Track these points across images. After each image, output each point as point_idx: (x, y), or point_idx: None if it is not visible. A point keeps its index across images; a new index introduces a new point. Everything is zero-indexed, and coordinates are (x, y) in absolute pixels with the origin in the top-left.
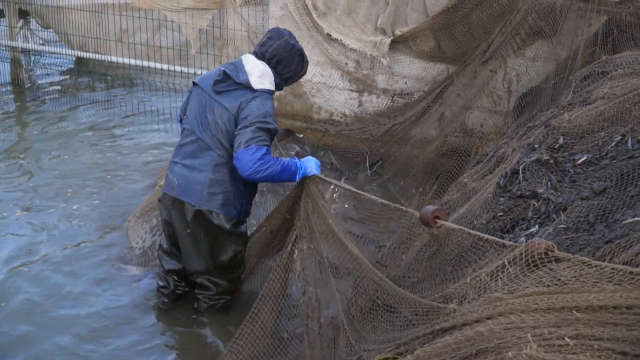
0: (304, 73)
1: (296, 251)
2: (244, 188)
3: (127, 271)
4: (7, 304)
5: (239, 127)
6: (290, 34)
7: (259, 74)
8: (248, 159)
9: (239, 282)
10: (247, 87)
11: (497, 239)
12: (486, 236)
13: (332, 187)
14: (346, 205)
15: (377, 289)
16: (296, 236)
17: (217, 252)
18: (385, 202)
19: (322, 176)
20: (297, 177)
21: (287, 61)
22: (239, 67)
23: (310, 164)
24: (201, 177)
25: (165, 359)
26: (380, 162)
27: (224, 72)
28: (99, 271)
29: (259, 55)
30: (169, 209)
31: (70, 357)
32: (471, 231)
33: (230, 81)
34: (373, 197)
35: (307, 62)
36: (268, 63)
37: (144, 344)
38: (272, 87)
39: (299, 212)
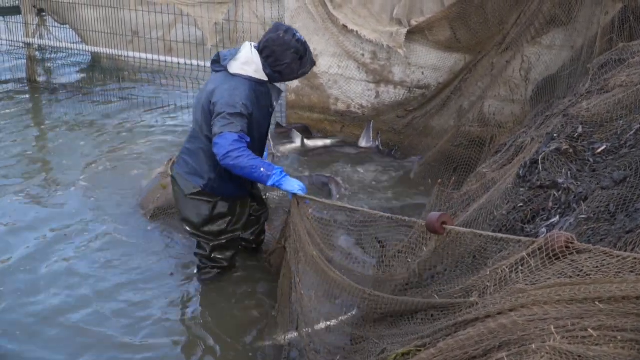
0: (305, 72)
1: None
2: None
3: None
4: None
5: (213, 114)
6: (288, 30)
7: (244, 61)
8: (221, 144)
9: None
10: (227, 70)
11: (512, 237)
12: (500, 235)
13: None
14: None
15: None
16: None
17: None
18: (388, 215)
19: (308, 196)
20: (269, 182)
21: (277, 55)
22: (233, 52)
23: (291, 184)
24: (184, 144)
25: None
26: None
27: (218, 53)
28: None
29: (257, 45)
30: None
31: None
32: (482, 232)
33: (219, 64)
34: (374, 212)
35: (308, 62)
36: (260, 54)
37: None
38: (256, 76)
39: (288, 235)
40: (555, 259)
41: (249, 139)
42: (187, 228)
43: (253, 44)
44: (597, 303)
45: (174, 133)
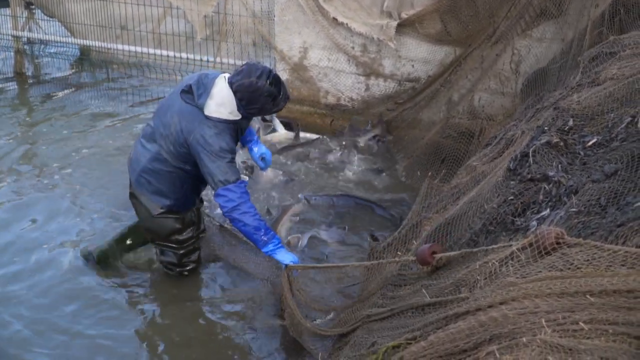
0: (279, 109)
1: None
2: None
3: None
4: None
5: (204, 159)
6: (261, 74)
7: (219, 102)
8: (229, 197)
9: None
10: (200, 110)
11: (502, 245)
12: (490, 247)
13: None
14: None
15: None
16: None
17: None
18: (377, 261)
19: (299, 265)
20: (264, 248)
21: (249, 100)
22: (207, 86)
23: (285, 256)
24: (143, 160)
25: None
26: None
27: (191, 86)
28: None
29: (229, 81)
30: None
31: None
32: (473, 249)
33: (193, 97)
34: (359, 263)
35: (282, 99)
36: (235, 95)
37: None
38: (231, 117)
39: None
40: (546, 253)
41: (246, 183)
42: (153, 239)
43: (226, 76)
44: (588, 296)
45: None
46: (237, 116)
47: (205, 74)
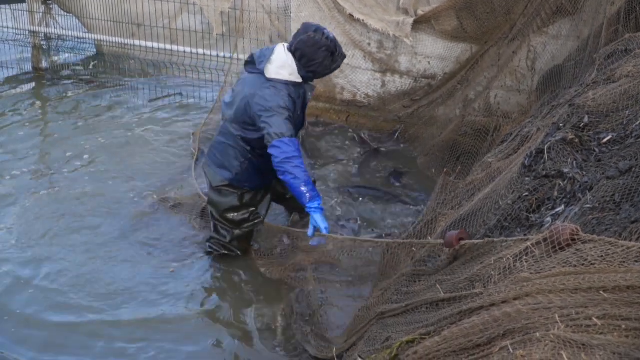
0: (337, 67)
1: None
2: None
3: None
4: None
5: (257, 117)
6: (317, 29)
7: (279, 65)
8: (283, 148)
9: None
10: (263, 74)
11: (519, 239)
12: (510, 239)
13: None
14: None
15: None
16: None
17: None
18: (407, 240)
19: (327, 234)
20: (307, 203)
21: (309, 55)
22: (267, 54)
23: (321, 219)
24: (215, 136)
25: None
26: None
27: (252, 55)
28: None
29: (289, 47)
30: None
31: None
32: (495, 239)
33: (254, 65)
34: (389, 240)
35: (339, 57)
36: (294, 56)
37: None
38: (292, 79)
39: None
40: (560, 250)
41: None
42: (212, 212)
43: (285, 44)
44: (601, 292)
45: (179, 121)
46: (297, 78)
47: (266, 47)
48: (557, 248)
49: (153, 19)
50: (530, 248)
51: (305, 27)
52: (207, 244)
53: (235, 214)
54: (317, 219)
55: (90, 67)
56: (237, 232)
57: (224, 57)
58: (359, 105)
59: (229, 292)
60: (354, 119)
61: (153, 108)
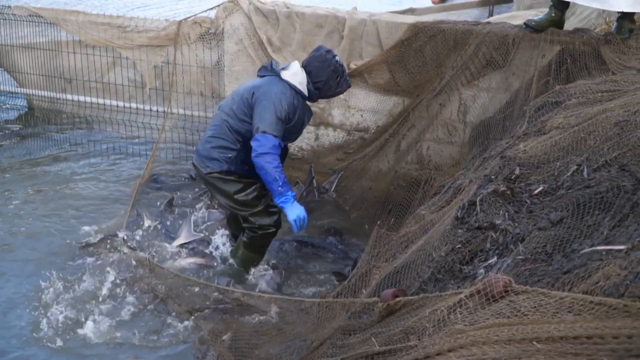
0: (341, 91)
1: None
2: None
3: None
4: None
5: (255, 105)
6: (329, 51)
7: (294, 72)
8: (262, 143)
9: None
10: (277, 75)
11: (452, 292)
12: (445, 293)
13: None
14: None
15: None
16: None
17: None
18: (346, 300)
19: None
20: (277, 199)
21: (317, 70)
22: (283, 65)
23: (294, 211)
24: (203, 139)
25: None
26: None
27: (271, 62)
28: None
29: (303, 63)
30: None
31: None
32: (430, 295)
33: (269, 69)
34: (322, 300)
35: (344, 82)
36: (305, 70)
37: None
38: (299, 87)
39: None
40: (494, 302)
41: (283, 146)
42: (228, 204)
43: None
44: (534, 343)
45: (112, 178)
46: (305, 90)
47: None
48: (491, 300)
49: (85, 72)
50: (464, 300)
51: (319, 47)
52: (243, 235)
53: (243, 194)
54: (288, 212)
55: (21, 121)
56: (255, 210)
57: (157, 110)
58: (292, 158)
59: None
60: (287, 172)
61: (84, 162)
